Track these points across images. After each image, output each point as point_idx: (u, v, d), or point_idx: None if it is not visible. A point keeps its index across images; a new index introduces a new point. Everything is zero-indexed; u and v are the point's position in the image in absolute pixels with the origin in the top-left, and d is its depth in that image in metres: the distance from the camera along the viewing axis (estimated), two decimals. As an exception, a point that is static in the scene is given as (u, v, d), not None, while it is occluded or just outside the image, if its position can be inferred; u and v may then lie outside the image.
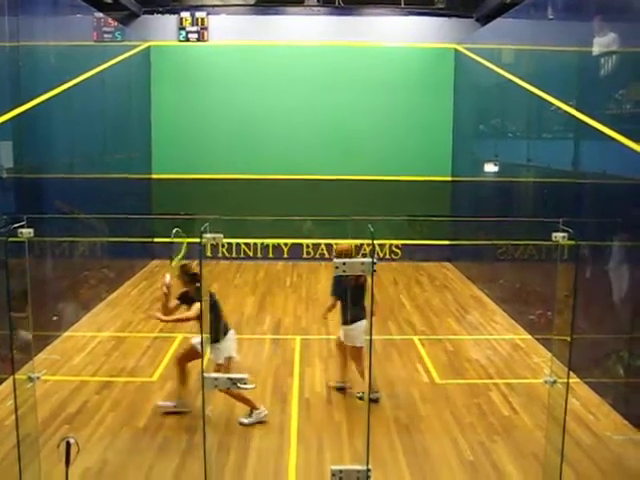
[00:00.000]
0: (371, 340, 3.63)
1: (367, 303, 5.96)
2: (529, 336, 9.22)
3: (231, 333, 6.51)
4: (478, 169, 12.36)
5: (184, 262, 6.28)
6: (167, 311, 6.40)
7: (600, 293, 7.31)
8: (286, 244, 14.42)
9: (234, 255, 14.33)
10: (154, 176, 14.34)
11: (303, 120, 14.28)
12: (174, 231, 5.76)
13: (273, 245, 14.44)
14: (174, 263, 6.26)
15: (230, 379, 3.40)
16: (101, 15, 11.41)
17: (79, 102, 10.04)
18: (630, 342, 6.70)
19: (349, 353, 6.99)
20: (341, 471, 3.04)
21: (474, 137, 13.20)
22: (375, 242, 3.37)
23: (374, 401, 6.77)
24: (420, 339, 9.11)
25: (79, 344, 8.71)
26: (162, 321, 6.60)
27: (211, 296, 6.09)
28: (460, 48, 13.91)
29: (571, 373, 4.45)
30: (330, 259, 13.94)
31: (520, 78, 10.16)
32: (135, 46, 13.35)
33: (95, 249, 10.87)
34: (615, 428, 6.37)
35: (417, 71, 14.30)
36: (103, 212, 10.81)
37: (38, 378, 4.62)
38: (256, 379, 7.38)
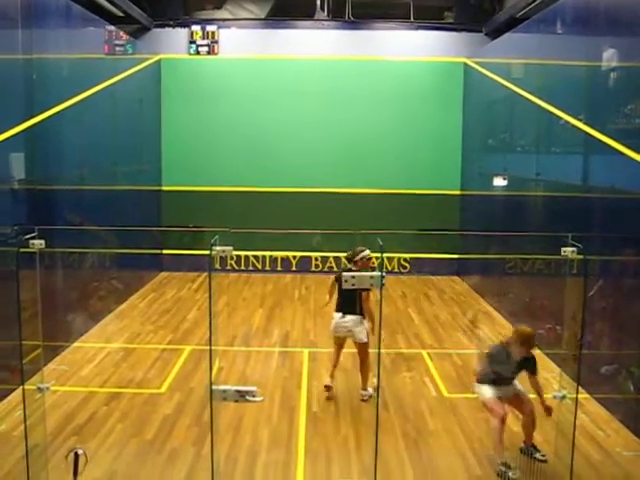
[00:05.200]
0: (379, 354, 3.64)
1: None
2: (538, 350, 9.14)
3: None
4: (487, 183, 12.34)
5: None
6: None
7: (609, 308, 7.28)
8: (295, 257, 14.44)
9: (243, 267, 14.35)
10: (164, 188, 14.40)
11: (312, 133, 14.32)
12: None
13: (282, 258, 14.46)
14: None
15: (238, 391, 3.41)
16: (112, 28, 11.51)
17: (90, 114, 10.12)
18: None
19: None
20: (349, 485, 3.04)
21: (483, 151, 13.20)
22: (384, 255, 3.38)
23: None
24: (428, 353, 9.07)
25: (88, 355, 8.74)
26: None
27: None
28: (469, 62, 13.95)
29: (580, 389, 4.44)
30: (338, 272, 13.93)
31: (529, 92, 10.17)
32: (146, 59, 13.47)
33: (104, 260, 10.92)
34: (625, 444, 6.32)
35: (426, 85, 14.33)
36: (113, 223, 10.88)
37: (47, 389, 4.65)
38: (264, 392, 7.37)
